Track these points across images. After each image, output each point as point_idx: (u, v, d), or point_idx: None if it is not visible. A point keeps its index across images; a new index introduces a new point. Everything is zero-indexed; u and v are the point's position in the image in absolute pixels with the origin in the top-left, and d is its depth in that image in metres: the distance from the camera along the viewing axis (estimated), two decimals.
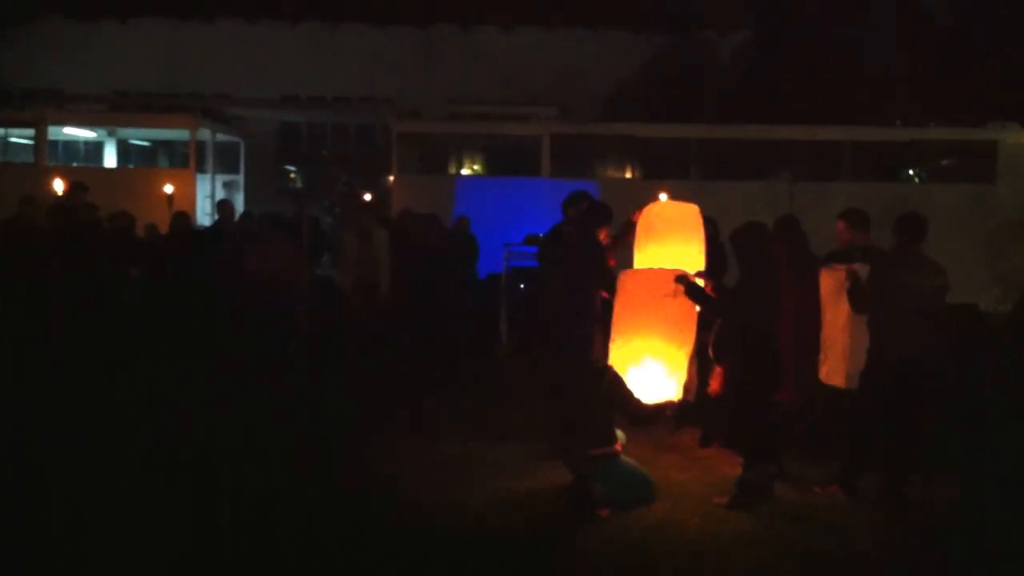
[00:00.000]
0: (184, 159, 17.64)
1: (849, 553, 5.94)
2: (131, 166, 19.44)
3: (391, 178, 16.81)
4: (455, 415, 9.12)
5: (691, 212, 7.83)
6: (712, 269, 7.68)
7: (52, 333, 10.16)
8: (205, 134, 17.46)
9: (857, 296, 6.75)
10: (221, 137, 18.18)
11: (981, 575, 5.85)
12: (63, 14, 24.42)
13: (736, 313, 6.85)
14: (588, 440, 6.66)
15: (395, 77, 23.35)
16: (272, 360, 10.64)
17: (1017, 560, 5.96)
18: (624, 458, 6.85)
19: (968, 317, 13.10)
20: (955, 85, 21.43)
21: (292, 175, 26.53)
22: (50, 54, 23.25)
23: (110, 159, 18.73)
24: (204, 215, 16.80)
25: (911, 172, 17.26)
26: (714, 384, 7.56)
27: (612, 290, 7.48)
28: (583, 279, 7.85)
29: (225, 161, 18.57)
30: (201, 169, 17.25)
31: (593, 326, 7.78)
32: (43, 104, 17.14)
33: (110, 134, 18.56)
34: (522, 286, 13.33)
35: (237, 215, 13.32)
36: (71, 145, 19.23)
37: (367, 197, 16.93)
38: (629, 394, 6.89)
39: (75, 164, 18.68)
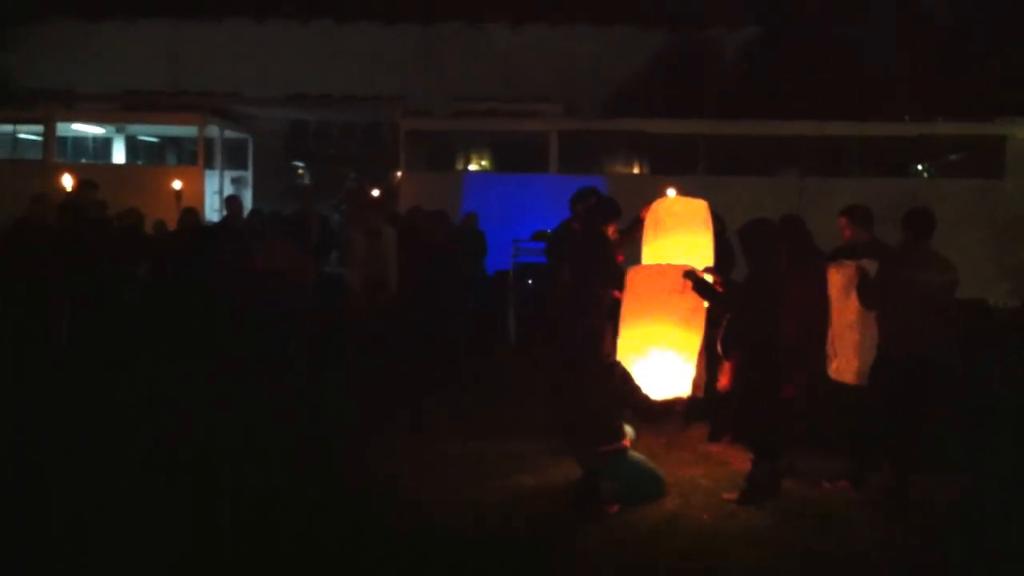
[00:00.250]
0: (192, 156, 17.70)
1: (850, 553, 5.93)
2: (140, 163, 19.49)
3: (399, 175, 16.84)
4: (455, 415, 9.11)
5: (699, 208, 7.84)
6: (720, 265, 7.69)
7: (52, 333, 10.20)
8: (213, 131, 17.49)
9: (866, 292, 6.75)
10: (229, 134, 18.21)
11: (981, 575, 5.85)
12: (72, 14, 24.45)
13: (743, 308, 6.86)
14: (597, 436, 6.67)
15: (402, 74, 23.33)
16: (272, 360, 10.68)
17: (1017, 560, 5.96)
18: (633, 454, 6.86)
19: (977, 312, 13.08)
20: (955, 85, 21.37)
21: (300, 172, 26.57)
22: (59, 53, 23.27)
23: (119, 156, 18.77)
24: (212, 211, 16.83)
25: (919, 167, 17.22)
26: (723, 380, 7.57)
27: (621, 286, 7.49)
28: (591, 275, 7.89)
29: (233, 158, 18.60)
30: (209, 166, 17.27)
31: (603, 322, 7.80)
32: (51, 102, 17.18)
33: (119, 131, 18.60)
34: (530, 282, 13.34)
35: (246, 212, 13.36)
36: (80, 142, 19.27)
37: (375, 194, 16.95)
38: (638, 390, 6.90)
39: (84, 161, 18.72)
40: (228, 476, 7.07)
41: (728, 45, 25.08)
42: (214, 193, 17.21)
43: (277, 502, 6.56)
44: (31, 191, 11.34)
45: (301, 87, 22.30)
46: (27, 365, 9.77)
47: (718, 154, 16.29)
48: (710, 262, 7.53)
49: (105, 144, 19.09)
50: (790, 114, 18.10)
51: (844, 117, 16.98)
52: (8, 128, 17.78)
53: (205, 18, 24.77)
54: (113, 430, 8.30)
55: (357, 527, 6.18)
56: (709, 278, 7.25)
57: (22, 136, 18.08)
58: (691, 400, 7.68)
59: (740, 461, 7.12)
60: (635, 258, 7.91)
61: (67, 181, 12.73)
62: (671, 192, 8.65)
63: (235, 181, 18.46)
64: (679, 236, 7.65)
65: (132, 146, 19.27)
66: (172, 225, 12.70)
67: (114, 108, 18.10)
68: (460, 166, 17.71)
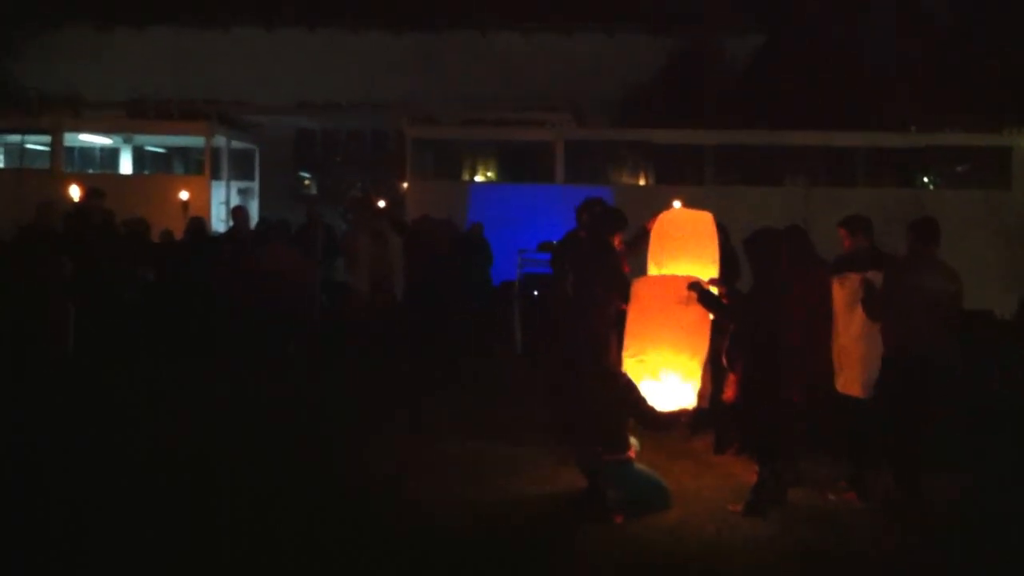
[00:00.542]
0: (199, 166, 17.72)
1: (849, 552, 5.94)
2: (146, 173, 19.53)
3: (405, 184, 16.85)
4: (455, 415, 9.14)
5: (705, 219, 7.83)
6: (724, 276, 7.68)
7: (56, 337, 10.22)
8: (220, 141, 17.53)
9: (872, 304, 6.73)
10: (236, 144, 18.26)
11: (981, 575, 5.84)
12: (80, 21, 24.51)
13: (748, 318, 6.85)
14: (601, 444, 6.66)
15: (409, 82, 23.35)
16: (272, 360, 10.70)
17: (1018, 560, 5.94)
18: (638, 465, 6.85)
19: (983, 323, 13.05)
20: (955, 85, 21.36)
21: (307, 182, 26.59)
22: (66, 61, 23.33)
23: (126, 166, 18.82)
24: (219, 221, 16.86)
25: (926, 178, 17.21)
26: (728, 391, 7.55)
27: (627, 297, 7.49)
28: (596, 284, 7.88)
29: (240, 168, 18.64)
30: (216, 176, 17.31)
31: (608, 331, 7.79)
32: (59, 111, 17.22)
33: (126, 141, 18.64)
34: (536, 293, 13.33)
35: (252, 222, 13.42)
36: (87, 151, 19.33)
37: (380, 203, 16.97)
38: (643, 400, 6.88)
39: (91, 171, 18.77)
40: (228, 476, 7.08)
41: (734, 51, 25.04)
42: (220, 203, 17.25)
43: (277, 502, 6.57)
44: (38, 200, 11.38)
45: (308, 95, 22.36)
46: (27, 365, 9.78)
47: (725, 164, 16.29)
48: (715, 274, 7.52)
49: (112, 154, 19.14)
50: (794, 119, 18.09)
51: (847, 119, 16.99)
52: (16, 138, 17.83)
53: (212, 26, 24.79)
54: (113, 430, 8.33)
55: (357, 527, 6.18)
56: (714, 290, 7.24)
57: (30, 146, 18.14)
58: (696, 411, 7.65)
59: (745, 472, 7.09)
60: (640, 270, 7.90)
61: (74, 191, 12.78)
62: (677, 204, 8.65)
63: (242, 191, 18.49)
64: (685, 248, 7.63)
65: (139, 156, 19.31)
66: (179, 235, 12.75)
67: (121, 116, 18.14)
68: (466, 174, 17.73)
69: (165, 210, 14.92)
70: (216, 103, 18.94)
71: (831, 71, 23.05)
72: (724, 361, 7.37)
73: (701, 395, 7.58)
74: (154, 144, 19.69)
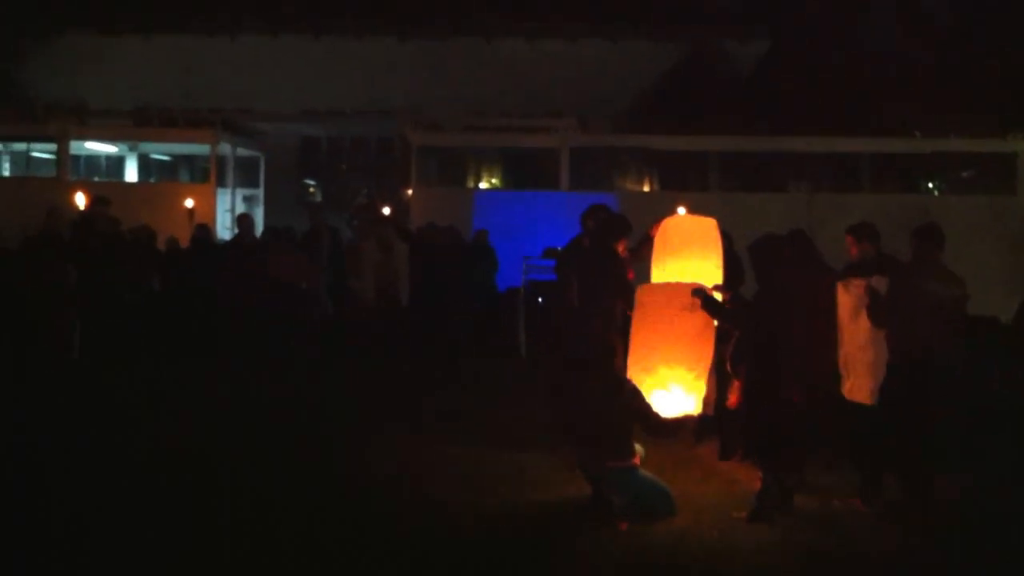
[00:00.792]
0: (205, 173, 17.78)
1: (853, 557, 5.93)
2: (152, 180, 19.58)
3: (410, 190, 16.88)
4: (455, 415, 9.15)
5: (709, 225, 7.82)
6: (728, 281, 7.68)
7: (57, 341, 10.27)
8: (225, 148, 17.57)
9: (876, 310, 6.73)
10: (241, 151, 18.31)
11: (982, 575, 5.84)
12: (85, 29, 24.58)
13: (752, 322, 6.86)
14: (606, 452, 6.65)
15: (413, 90, 23.41)
16: (272, 360, 10.72)
17: (1018, 560, 5.93)
18: (643, 471, 6.84)
19: (988, 329, 13.02)
20: (955, 85, 21.36)
21: (312, 189, 26.63)
22: (71, 69, 23.42)
23: (131, 174, 18.87)
24: (224, 229, 16.90)
25: (931, 184, 17.20)
26: (733, 397, 7.54)
27: (631, 304, 7.50)
28: (601, 290, 7.89)
29: (245, 175, 18.69)
30: (222, 184, 17.35)
31: (614, 337, 7.80)
32: (65, 119, 17.28)
33: (131, 149, 18.71)
34: (540, 300, 13.35)
35: (258, 230, 13.48)
36: (93, 160, 19.40)
37: (386, 210, 17.00)
38: (648, 407, 6.88)
39: (97, 178, 18.82)
40: (228, 476, 7.09)
41: (738, 57, 25.05)
42: (226, 211, 17.29)
43: (277, 502, 6.57)
44: (44, 208, 11.44)
45: (312, 103, 22.41)
46: (28, 366, 9.81)
47: (729, 170, 16.29)
48: (719, 280, 7.51)
49: (118, 162, 19.21)
50: (798, 124, 18.09)
51: (850, 122, 16.98)
52: (22, 146, 17.89)
53: (217, 34, 24.85)
54: (113, 430, 8.35)
55: (357, 527, 6.18)
56: (718, 296, 7.24)
57: (35, 154, 18.20)
58: (701, 418, 7.66)
59: (750, 479, 7.08)
60: (644, 276, 7.91)
61: (80, 199, 12.83)
62: (681, 210, 8.65)
63: (247, 199, 18.53)
64: (688, 254, 7.63)
65: (145, 164, 19.38)
66: (185, 243, 12.80)
67: (127, 124, 18.19)
68: (471, 181, 17.76)
69: (171, 218, 14.96)
70: (221, 111, 19.00)
71: (832, 73, 23.07)
72: (728, 367, 7.37)
73: (706, 402, 7.58)
74: (160, 152, 19.76)
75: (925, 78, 22.47)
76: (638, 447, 6.98)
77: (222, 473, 7.17)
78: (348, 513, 6.42)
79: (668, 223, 7.94)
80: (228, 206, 17.43)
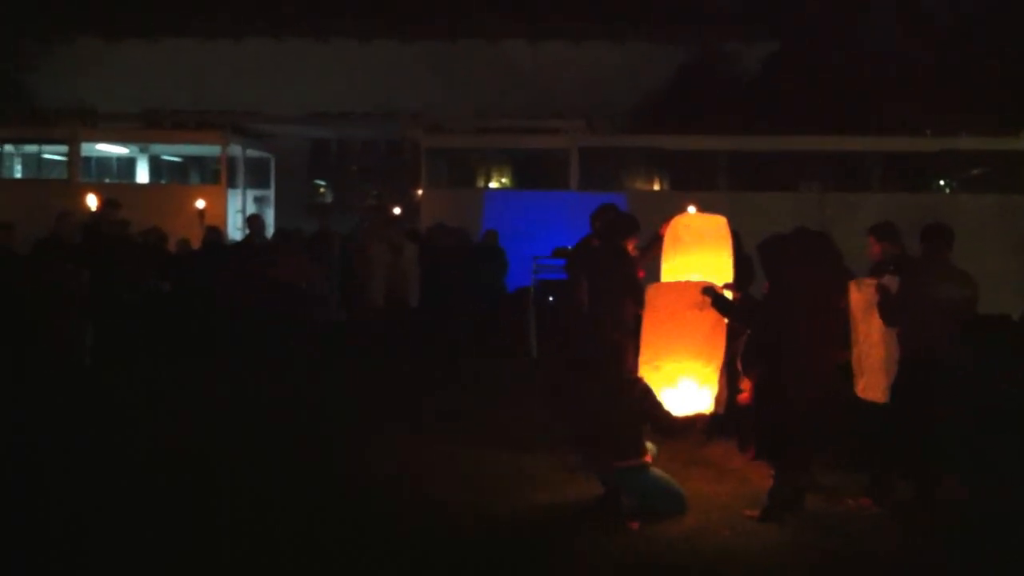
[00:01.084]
0: (215, 175, 17.80)
1: (863, 557, 5.93)
2: (163, 182, 19.64)
3: (419, 192, 16.90)
4: (455, 415, 9.17)
5: (718, 224, 7.83)
6: (737, 280, 7.68)
7: (67, 344, 10.30)
8: (236, 150, 17.61)
9: (886, 308, 6.72)
10: (252, 153, 18.35)
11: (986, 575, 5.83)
12: (94, 33, 24.65)
13: (762, 320, 6.86)
14: (617, 451, 6.66)
15: (422, 92, 23.43)
16: (272, 360, 10.73)
17: (1021, 561, 5.92)
18: (654, 470, 6.84)
19: (999, 327, 13.00)
20: (955, 85, 21.31)
21: (322, 190, 26.69)
22: (82, 72, 23.50)
23: (142, 175, 18.92)
24: (235, 230, 16.94)
25: (941, 182, 17.16)
26: (744, 395, 7.54)
27: (641, 303, 7.50)
28: (611, 290, 7.90)
29: (256, 177, 18.72)
30: (232, 185, 17.39)
31: (625, 336, 7.80)
32: (75, 121, 17.34)
33: (142, 150, 18.75)
34: (551, 299, 13.36)
35: (268, 231, 13.52)
36: (103, 161, 19.43)
37: (396, 211, 17.04)
38: (659, 406, 6.88)
39: (107, 180, 18.87)
40: (228, 476, 7.12)
41: (745, 57, 25.02)
42: (237, 212, 17.33)
43: (277, 502, 6.60)
44: (56, 210, 11.49)
45: (322, 105, 22.46)
46: (27, 366, 9.85)
47: (739, 170, 16.27)
48: (729, 278, 7.52)
49: (129, 164, 19.25)
50: (806, 123, 18.05)
51: (852, 121, 16.95)
52: (33, 148, 17.95)
53: (222, 37, 24.89)
54: (113, 430, 8.38)
55: (357, 527, 6.19)
56: (728, 294, 7.24)
57: (47, 156, 18.25)
58: (712, 416, 7.66)
59: (761, 479, 7.08)
60: (654, 275, 7.91)
61: (91, 201, 12.88)
62: (691, 209, 8.65)
63: (257, 200, 18.58)
64: (698, 252, 7.65)
65: (155, 166, 19.41)
66: (195, 244, 12.85)
67: (137, 126, 18.25)
68: (480, 182, 17.77)
69: (182, 219, 15.00)
70: (229, 113, 19.05)
71: (832, 73, 23.04)
72: (739, 365, 7.37)
73: (717, 400, 7.59)
74: (170, 154, 19.80)
75: (925, 78, 22.43)
76: (650, 446, 6.99)
77: (221, 473, 7.20)
78: (348, 513, 6.45)
79: (678, 221, 7.95)
80: (239, 207, 17.47)
